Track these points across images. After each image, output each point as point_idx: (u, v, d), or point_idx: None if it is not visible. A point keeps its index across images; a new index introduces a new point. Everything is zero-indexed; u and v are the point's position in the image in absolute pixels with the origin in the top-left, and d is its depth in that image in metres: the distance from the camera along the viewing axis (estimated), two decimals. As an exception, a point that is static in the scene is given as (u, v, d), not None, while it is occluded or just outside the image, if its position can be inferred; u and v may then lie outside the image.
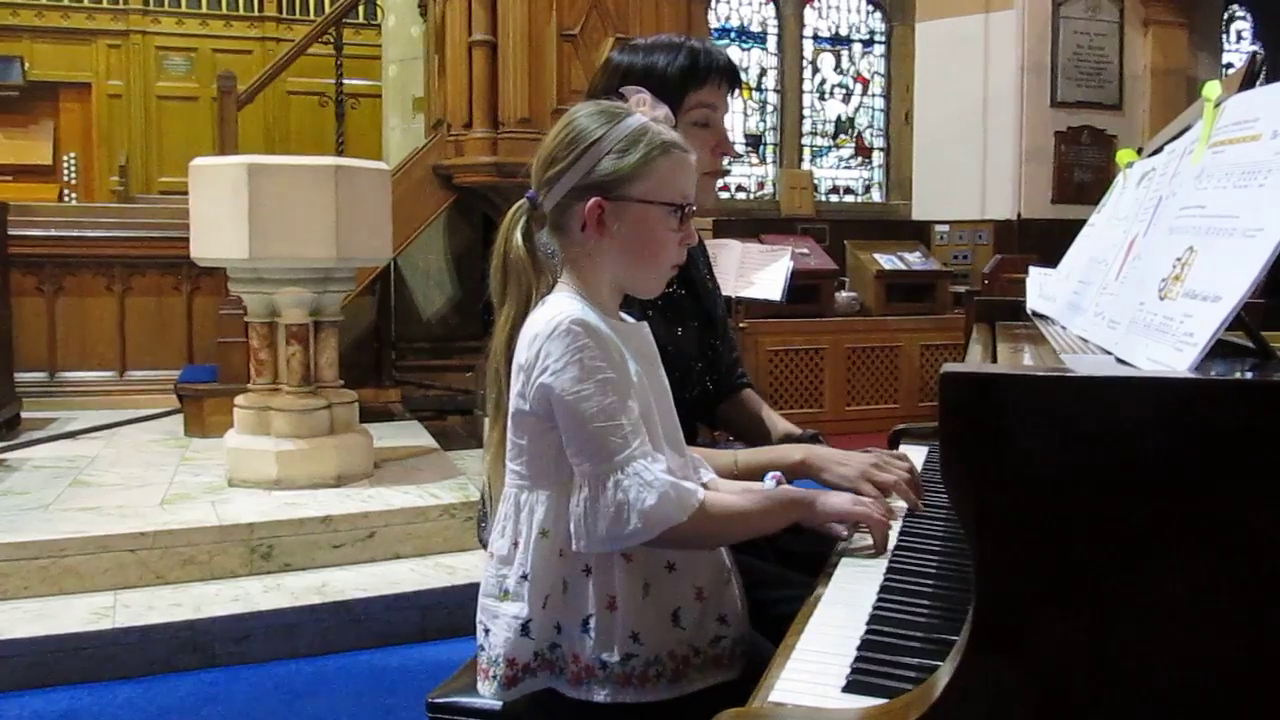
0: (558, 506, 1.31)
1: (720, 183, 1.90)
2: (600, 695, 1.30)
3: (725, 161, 1.83)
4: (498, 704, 1.39)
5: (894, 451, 1.74)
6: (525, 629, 1.33)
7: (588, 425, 1.26)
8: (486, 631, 1.38)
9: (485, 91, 4.86)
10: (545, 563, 1.33)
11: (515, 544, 1.35)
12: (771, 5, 7.98)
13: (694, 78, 1.73)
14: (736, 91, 1.81)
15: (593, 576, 1.31)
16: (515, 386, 1.33)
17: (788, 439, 1.88)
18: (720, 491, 1.52)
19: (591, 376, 1.27)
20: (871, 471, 1.57)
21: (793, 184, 7.71)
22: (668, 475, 1.27)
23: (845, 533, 1.44)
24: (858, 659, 1.05)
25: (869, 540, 1.42)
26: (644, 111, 1.39)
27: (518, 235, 1.39)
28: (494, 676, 1.36)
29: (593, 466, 1.27)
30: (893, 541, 1.42)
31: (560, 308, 1.31)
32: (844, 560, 1.37)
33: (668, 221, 1.36)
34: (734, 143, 1.87)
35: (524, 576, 1.34)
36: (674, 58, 1.73)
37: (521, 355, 1.32)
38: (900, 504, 1.54)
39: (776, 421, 1.94)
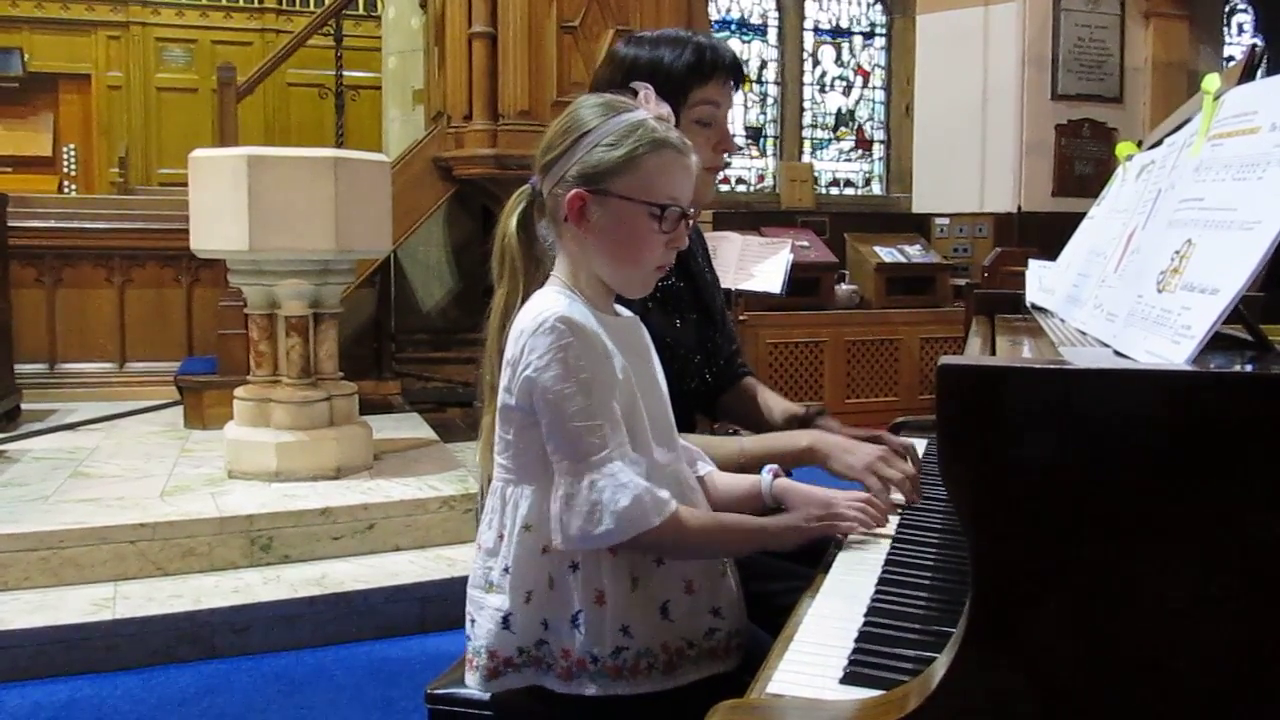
0: (541, 502, 1.32)
1: (720, 175, 1.90)
2: (592, 689, 1.31)
3: (726, 157, 1.83)
4: (486, 694, 1.40)
5: (901, 440, 1.75)
6: (506, 622, 1.34)
7: (567, 424, 1.26)
8: (473, 622, 1.39)
9: (485, 84, 4.85)
10: (528, 557, 1.33)
11: (500, 536, 1.36)
12: (772, -3, 7.96)
13: (699, 74, 1.72)
14: (740, 88, 1.81)
15: (579, 572, 1.31)
16: (502, 381, 1.34)
17: (791, 417, 1.88)
18: (717, 486, 1.52)
19: (573, 376, 1.26)
20: (878, 465, 1.57)
21: (793, 176, 7.69)
22: (644, 480, 1.27)
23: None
24: (855, 650, 1.06)
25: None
26: (648, 109, 1.38)
27: (513, 221, 1.40)
28: (477, 667, 1.37)
29: (570, 465, 1.27)
30: (890, 532, 1.42)
31: (545, 304, 1.31)
32: (842, 552, 1.37)
33: (649, 221, 1.34)
34: (735, 136, 1.86)
35: (506, 569, 1.34)
36: (680, 53, 1.72)
37: (509, 350, 1.33)
38: (899, 496, 1.54)
39: (774, 403, 1.94)
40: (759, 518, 1.42)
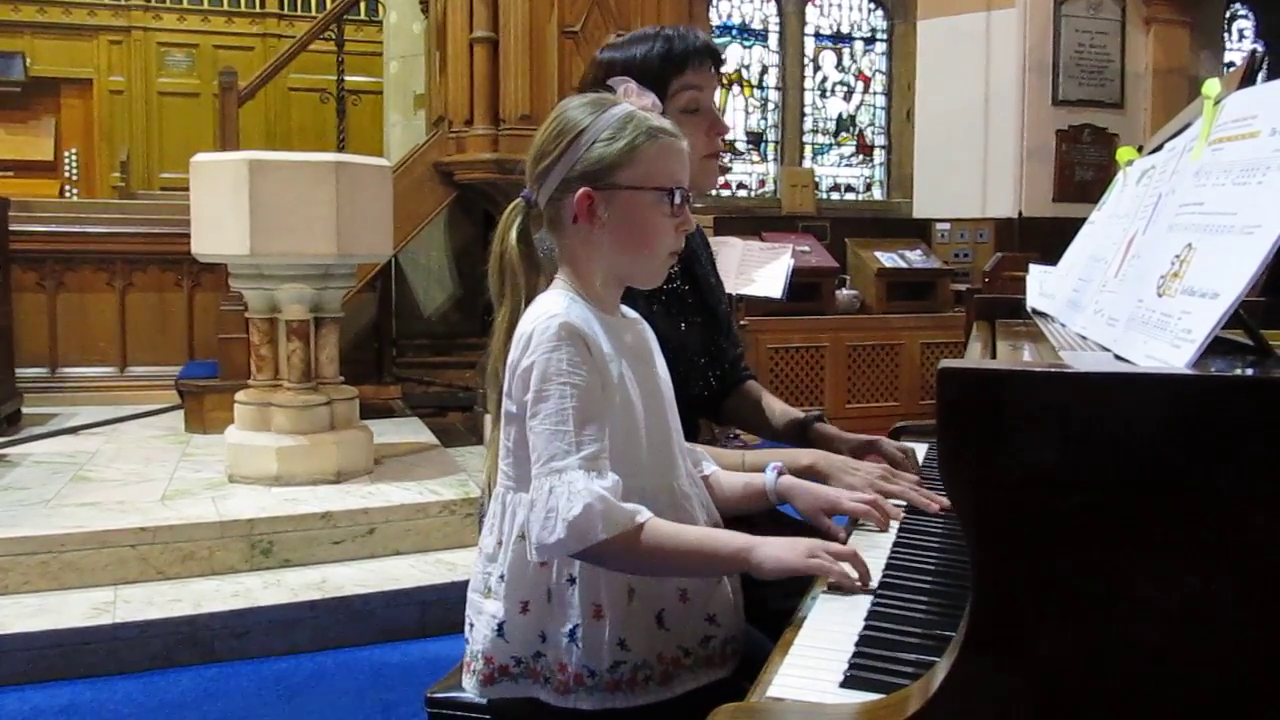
0: None
1: (721, 180, 1.90)
2: (588, 704, 1.30)
3: (721, 142, 1.82)
4: (483, 699, 1.39)
5: (899, 445, 1.75)
6: (500, 630, 1.33)
7: (538, 424, 1.25)
8: (471, 626, 1.39)
9: (486, 88, 4.86)
10: (522, 566, 1.32)
11: (500, 543, 1.36)
12: (773, 3, 7.96)
13: (673, 61, 1.73)
14: (719, 70, 1.80)
15: (577, 586, 1.30)
16: (504, 386, 1.34)
17: (791, 422, 1.89)
18: (722, 486, 1.52)
19: (555, 379, 1.25)
20: (879, 484, 1.57)
21: (794, 182, 7.69)
22: (603, 491, 1.22)
23: (842, 535, 1.44)
24: (856, 654, 1.06)
25: (873, 530, 1.45)
26: (632, 100, 1.38)
27: (512, 235, 1.38)
28: (474, 671, 1.37)
29: (537, 469, 1.25)
30: (891, 538, 1.42)
31: (545, 308, 1.31)
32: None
33: (659, 207, 1.34)
34: (727, 125, 1.85)
35: (502, 577, 1.34)
36: (651, 46, 1.74)
37: (511, 354, 1.33)
38: (898, 503, 1.54)
39: (775, 406, 1.94)
40: (748, 537, 1.30)
